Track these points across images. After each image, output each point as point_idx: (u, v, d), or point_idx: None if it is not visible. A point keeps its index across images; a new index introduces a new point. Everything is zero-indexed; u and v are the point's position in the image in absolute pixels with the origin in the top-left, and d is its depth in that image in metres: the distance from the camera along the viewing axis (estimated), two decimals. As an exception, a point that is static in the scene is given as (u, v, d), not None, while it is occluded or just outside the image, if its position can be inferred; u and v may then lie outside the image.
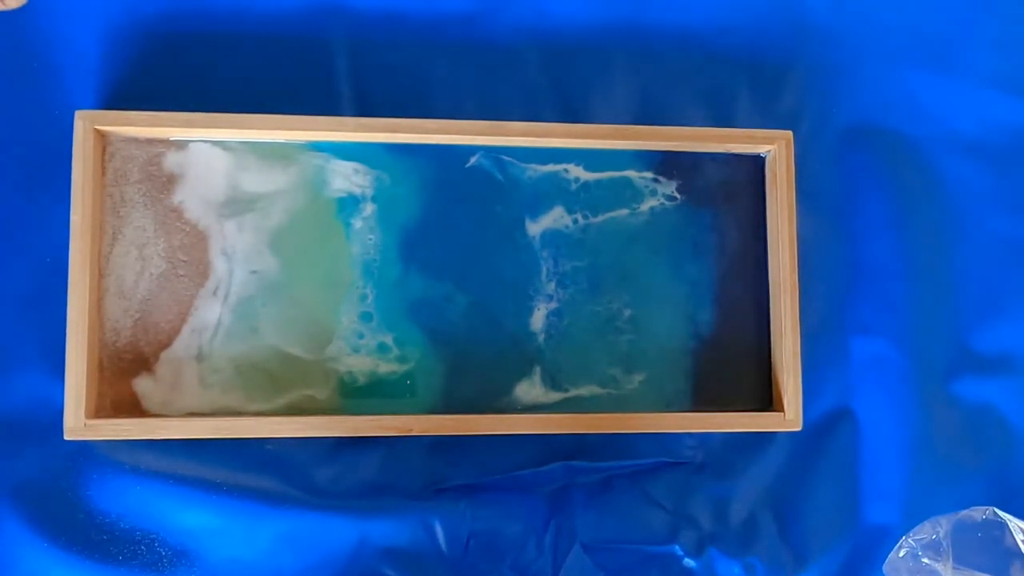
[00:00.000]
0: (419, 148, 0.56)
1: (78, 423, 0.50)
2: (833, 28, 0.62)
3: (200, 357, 0.53)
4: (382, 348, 0.55)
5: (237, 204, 0.54)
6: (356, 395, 0.54)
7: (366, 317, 0.55)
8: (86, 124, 0.51)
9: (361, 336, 0.55)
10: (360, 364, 0.55)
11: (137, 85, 0.55)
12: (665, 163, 0.58)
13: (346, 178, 0.55)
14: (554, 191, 0.57)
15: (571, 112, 0.59)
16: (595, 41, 0.59)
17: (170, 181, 0.54)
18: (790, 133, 0.57)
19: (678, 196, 0.58)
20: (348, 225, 0.55)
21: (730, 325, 0.58)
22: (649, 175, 0.58)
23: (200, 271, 0.54)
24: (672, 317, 0.57)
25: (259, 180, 0.55)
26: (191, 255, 0.54)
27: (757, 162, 0.59)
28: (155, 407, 0.53)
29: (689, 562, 0.57)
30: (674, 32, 0.60)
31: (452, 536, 0.55)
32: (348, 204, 0.55)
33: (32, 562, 0.52)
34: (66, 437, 0.50)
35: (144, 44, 0.55)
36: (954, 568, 0.52)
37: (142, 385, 0.53)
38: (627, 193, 0.58)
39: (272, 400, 0.54)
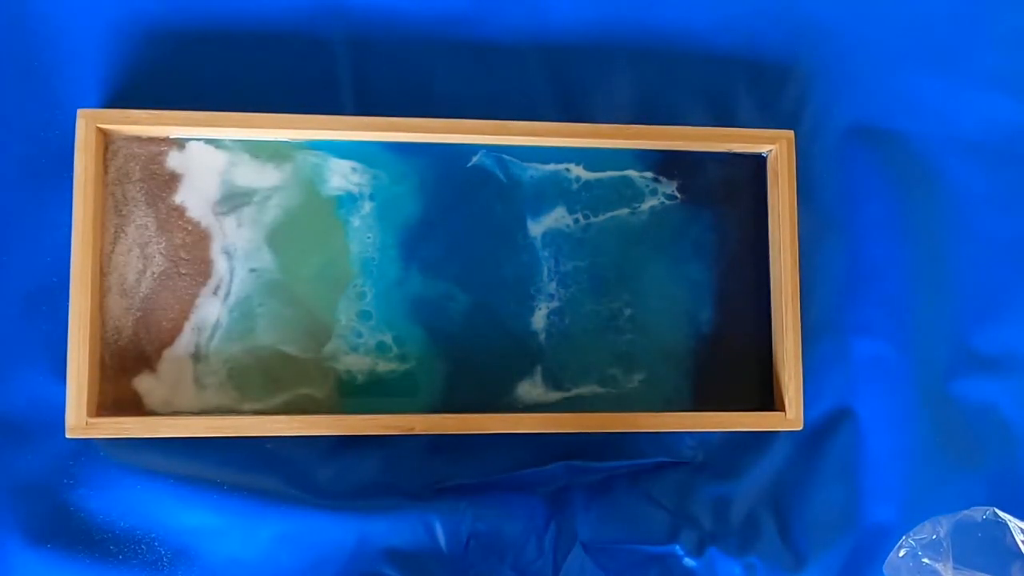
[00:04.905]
0: (420, 147, 0.56)
1: (80, 421, 0.50)
2: (834, 28, 0.62)
3: (201, 356, 0.53)
4: (381, 347, 0.55)
5: (237, 202, 0.54)
6: (355, 394, 0.54)
7: (365, 316, 0.55)
8: (88, 122, 0.52)
9: (360, 335, 0.55)
10: (359, 363, 0.55)
11: (139, 83, 0.55)
12: (666, 163, 0.58)
13: (344, 177, 0.55)
14: (555, 190, 0.57)
15: (572, 111, 0.59)
16: (596, 40, 0.59)
17: (172, 179, 0.54)
18: (791, 133, 0.57)
19: (679, 196, 0.58)
20: (347, 223, 0.55)
21: (731, 324, 0.58)
22: (650, 175, 0.58)
23: (202, 270, 0.54)
24: (673, 316, 0.57)
25: (259, 178, 0.55)
26: (193, 253, 0.54)
27: (758, 162, 0.59)
28: (157, 405, 0.53)
29: (689, 562, 0.57)
30: (675, 32, 0.60)
31: (452, 536, 0.55)
32: (346, 202, 0.55)
33: (32, 560, 0.52)
34: (68, 435, 0.51)
35: (146, 42, 0.55)
36: (954, 568, 0.52)
37: (144, 383, 0.53)
38: (628, 193, 0.58)
39: (271, 399, 0.54)
